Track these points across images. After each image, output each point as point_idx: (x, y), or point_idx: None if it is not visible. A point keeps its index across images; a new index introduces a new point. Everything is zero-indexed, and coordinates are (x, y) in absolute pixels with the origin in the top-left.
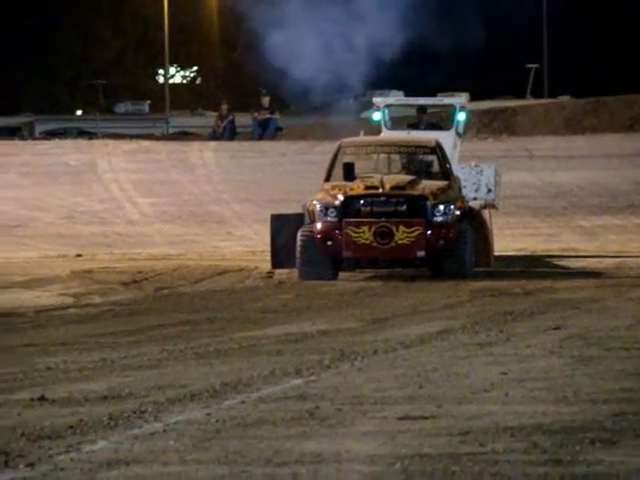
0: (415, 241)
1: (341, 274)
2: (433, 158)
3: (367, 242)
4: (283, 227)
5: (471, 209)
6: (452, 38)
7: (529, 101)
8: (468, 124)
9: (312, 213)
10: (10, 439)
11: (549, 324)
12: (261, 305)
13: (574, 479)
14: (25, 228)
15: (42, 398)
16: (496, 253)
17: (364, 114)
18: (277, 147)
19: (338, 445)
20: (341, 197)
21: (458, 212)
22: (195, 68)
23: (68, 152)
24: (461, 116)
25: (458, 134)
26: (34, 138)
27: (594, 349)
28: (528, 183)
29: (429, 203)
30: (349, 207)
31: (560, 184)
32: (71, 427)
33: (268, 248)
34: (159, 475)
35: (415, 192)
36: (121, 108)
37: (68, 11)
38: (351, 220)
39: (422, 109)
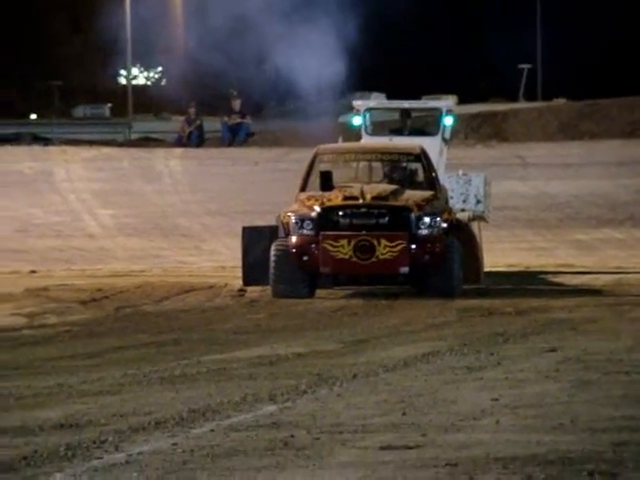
0: (398, 256)
1: (318, 292)
2: (418, 166)
3: (346, 257)
4: (256, 241)
5: (459, 221)
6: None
7: (521, 104)
8: (455, 129)
9: (287, 225)
10: None
11: (544, 346)
12: (232, 325)
13: None
14: None
15: None
16: (486, 269)
17: (343, 118)
18: (249, 154)
19: (315, 477)
20: (318, 208)
21: (445, 225)
22: (160, 69)
23: (22, 159)
24: (448, 121)
25: (445, 140)
26: None
27: (592, 373)
28: (520, 193)
29: (413, 215)
30: (327, 219)
31: (555, 194)
32: (25, 458)
33: (239, 263)
34: None
35: (398, 203)
36: (79, 112)
37: (20, 6)
38: (329, 233)
39: (406, 113)
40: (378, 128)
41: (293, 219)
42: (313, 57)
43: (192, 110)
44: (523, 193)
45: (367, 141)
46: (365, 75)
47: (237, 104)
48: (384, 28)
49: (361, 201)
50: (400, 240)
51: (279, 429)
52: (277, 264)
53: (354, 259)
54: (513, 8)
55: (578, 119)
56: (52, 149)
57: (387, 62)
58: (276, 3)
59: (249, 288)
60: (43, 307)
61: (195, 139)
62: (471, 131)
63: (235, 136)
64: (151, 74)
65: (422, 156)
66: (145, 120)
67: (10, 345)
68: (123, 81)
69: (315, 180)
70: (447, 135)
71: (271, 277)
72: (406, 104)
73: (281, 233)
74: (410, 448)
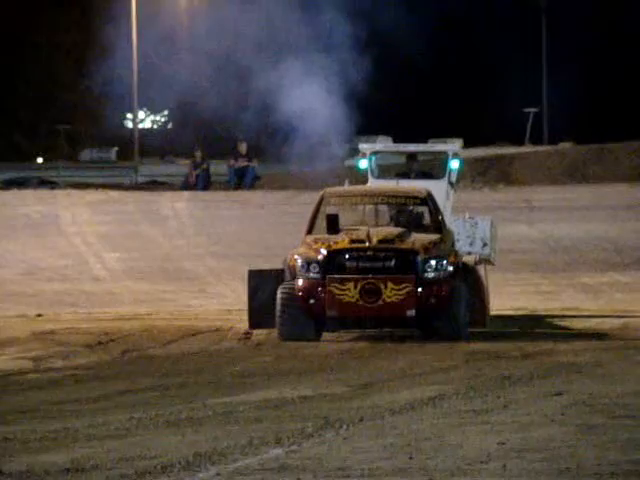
0: (405, 299)
1: (325, 335)
2: (424, 209)
3: (353, 300)
4: (262, 284)
5: (465, 264)
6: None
7: (528, 148)
8: (462, 173)
9: (293, 268)
10: None
11: (550, 390)
12: (238, 369)
13: None
14: None
15: None
16: (492, 312)
17: (349, 162)
18: (255, 197)
19: None
20: (324, 251)
21: (451, 268)
22: (166, 112)
23: (28, 203)
24: (454, 164)
25: (451, 184)
26: None
27: (599, 417)
28: (527, 236)
29: (420, 258)
30: (333, 262)
31: (561, 238)
32: None
33: (245, 306)
34: None
35: (405, 246)
36: (86, 155)
37: (27, 50)
38: (335, 276)
39: (412, 156)
40: (384, 171)
41: (299, 262)
42: (319, 101)
43: (198, 154)
44: (529, 236)
45: (373, 184)
46: (371, 119)
47: (243, 147)
48: (390, 73)
49: (367, 244)
50: (407, 283)
51: (285, 473)
52: (283, 307)
53: (360, 302)
54: (519, 53)
55: (584, 163)
56: (58, 193)
57: (393, 106)
58: (283, 46)
59: (255, 331)
60: (49, 351)
61: (201, 182)
62: (478, 174)
63: (241, 179)
64: (157, 117)
65: (428, 199)
66: (151, 163)
67: (16, 389)
68: (130, 124)
69: (322, 223)
70: (453, 178)
71: (277, 320)
72: (412, 147)
73: (287, 276)
74: None
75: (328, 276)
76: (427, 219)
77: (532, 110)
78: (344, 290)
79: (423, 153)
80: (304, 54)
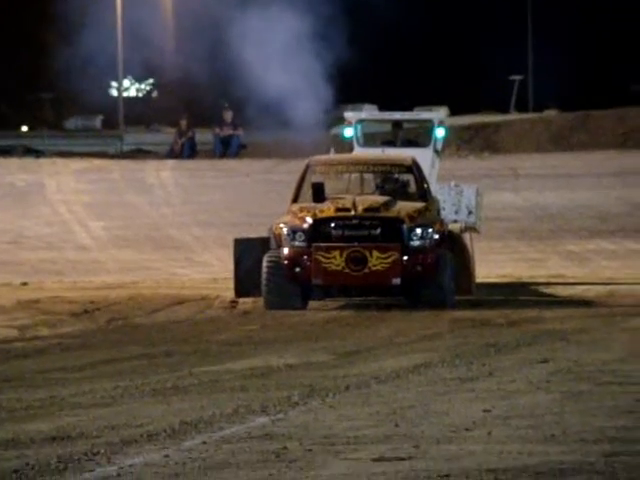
0: (390, 267)
1: (311, 303)
2: (409, 177)
3: (338, 268)
4: (247, 252)
5: (451, 233)
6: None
7: (513, 116)
8: (447, 141)
9: (279, 237)
10: None
11: (535, 357)
12: (224, 337)
13: None
14: None
15: None
16: (478, 280)
17: (334, 130)
18: (240, 166)
19: None
20: (310, 220)
21: (437, 236)
22: (151, 80)
23: (13, 171)
24: (440, 132)
25: (436, 152)
26: None
27: (584, 384)
28: (512, 204)
29: (405, 226)
30: (319, 231)
31: (547, 205)
32: (16, 471)
33: (231, 275)
34: None
35: (390, 214)
36: (71, 124)
37: (10, 19)
38: (321, 245)
39: (397, 124)
40: (370, 140)
41: (285, 231)
42: (304, 69)
43: (184, 122)
44: (515, 204)
45: (359, 153)
46: (356, 87)
47: (229, 116)
48: (376, 40)
49: (353, 213)
50: (392, 251)
51: (271, 441)
52: (269, 276)
53: (346, 270)
54: (504, 21)
55: (570, 130)
56: (43, 161)
57: (379, 74)
58: (266, 14)
59: (241, 300)
60: (35, 319)
61: (187, 151)
62: (463, 142)
63: (227, 148)
64: (142, 86)
65: (414, 167)
66: (137, 132)
67: (1, 357)
68: (114, 93)
69: (307, 192)
70: (439, 146)
71: (263, 289)
72: (398, 116)
73: (273, 245)
74: (402, 459)
75: (314, 244)
76: (413, 187)
77: (517, 78)
78: (330, 258)
79: (408, 121)
80: (291, 26)
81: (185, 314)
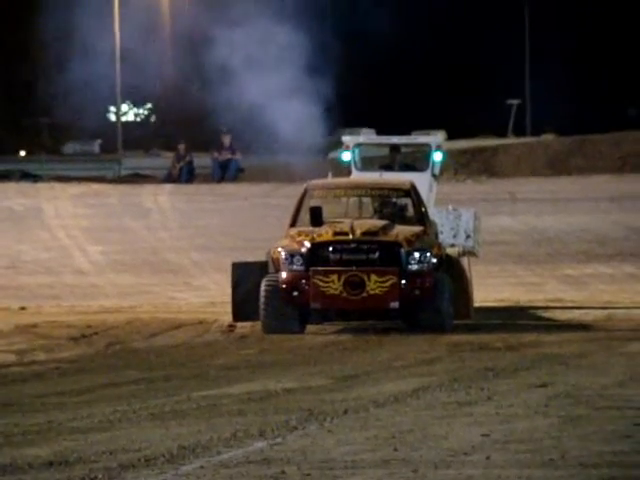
0: (388, 291)
1: (309, 327)
2: (407, 201)
3: (336, 292)
4: (245, 276)
5: (449, 256)
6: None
7: (511, 140)
8: (445, 165)
9: (277, 261)
10: None
11: (534, 381)
12: (222, 361)
13: None
14: None
15: None
16: (476, 304)
17: (332, 154)
18: (238, 190)
19: None
20: (308, 244)
21: (435, 260)
22: (149, 105)
23: (11, 196)
24: (437, 156)
25: (434, 176)
26: None
27: (583, 408)
28: (510, 228)
29: (403, 250)
30: (317, 255)
31: (545, 229)
32: None
33: (229, 299)
34: None
35: (388, 238)
36: (69, 149)
37: (7, 43)
38: (319, 269)
39: (395, 149)
40: (368, 164)
41: (283, 255)
42: (301, 94)
43: (182, 146)
44: (513, 228)
45: (357, 177)
46: (354, 111)
47: (227, 140)
48: (373, 64)
49: (351, 236)
50: (390, 275)
51: (269, 465)
52: (267, 300)
53: (344, 294)
54: (501, 45)
55: (567, 154)
56: (41, 186)
57: (376, 98)
58: (264, 38)
59: (239, 324)
60: (32, 344)
61: (185, 175)
62: (461, 166)
63: (225, 172)
64: (140, 110)
65: (412, 191)
66: (135, 156)
67: None
68: (113, 117)
69: (305, 216)
70: (436, 170)
71: (261, 313)
72: (395, 140)
73: (271, 269)
74: None
75: (312, 268)
76: (410, 211)
77: (515, 102)
78: (328, 282)
79: (406, 145)
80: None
81: (183, 338)
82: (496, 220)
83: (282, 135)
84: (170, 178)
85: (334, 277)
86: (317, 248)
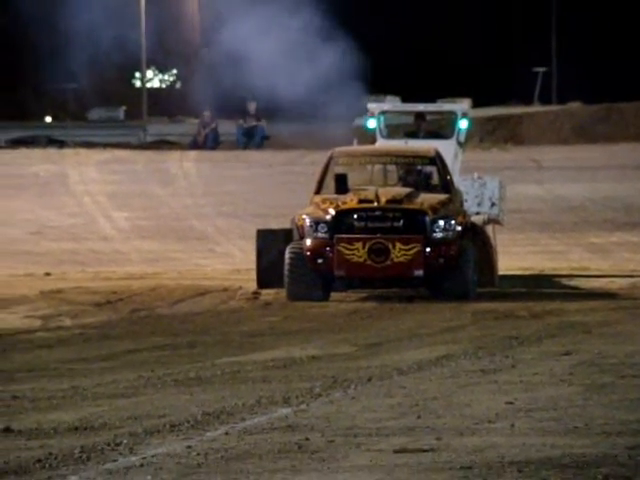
0: (413, 259)
1: (333, 294)
2: (432, 169)
3: (361, 260)
4: (270, 244)
5: (473, 225)
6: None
7: (536, 108)
8: (470, 132)
9: (301, 228)
10: None
11: (558, 349)
12: (246, 328)
13: None
14: None
15: (7, 429)
16: (500, 272)
17: (357, 121)
18: (263, 157)
19: None
20: (333, 211)
21: (459, 228)
22: (175, 71)
23: (36, 162)
24: (463, 124)
25: (459, 143)
26: None
27: (607, 376)
28: (535, 196)
29: (428, 218)
30: (341, 222)
31: (570, 198)
32: (39, 461)
33: (254, 266)
34: None
35: (413, 206)
36: (94, 114)
37: (32, 8)
38: (343, 236)
39: (420, 116)
40: (393, 131)
41: (308, 222)
42: (327, 59)
43: (207, 113)
44: (538, 196)
45: (382, 144)
46: (380, 78)
47: (252, 107)
48: (400, 31)
49: (376, 204)
50: (415, 243)
51: (293, 432)
52: (292, 267)
53: (369, 262)
54: (528, 12)
55: (593, 122)
56: (67, 152)
57: (402, 65)
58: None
59: (263, 291)
60: (58, 309)
61: (210, 142)
62: (486, 134)
63: (250, 139)
64: (166, 77)
65: (437, 159)
66: (160, 123)
67: (25, 347)
68: (138, 84)
69: (330, 183)
70: (462, 138)
71: (286, 280)
72: (421, 107)
73: (296, 236)
74: (425, 451)
75: (336, 236)
76: (435, 179)
77: (541, 69)
78: (352, 250)
79: (431, 113)
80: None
81: (207, 305)
82: (521, 188)
83: (310, 101)
84: (195, 145)
85: (359, 245)
86: (342, 215)
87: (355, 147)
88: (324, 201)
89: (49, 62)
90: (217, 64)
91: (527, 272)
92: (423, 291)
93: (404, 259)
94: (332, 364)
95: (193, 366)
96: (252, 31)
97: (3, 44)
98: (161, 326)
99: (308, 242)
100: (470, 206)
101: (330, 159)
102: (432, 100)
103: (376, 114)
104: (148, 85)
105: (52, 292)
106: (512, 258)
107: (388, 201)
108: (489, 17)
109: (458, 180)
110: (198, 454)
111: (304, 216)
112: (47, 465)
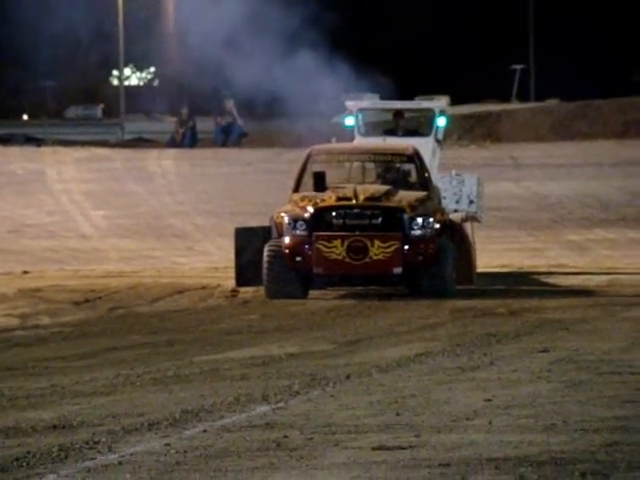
0: (391, 257)
1: (311, 292)
2: (411, 167)
3: (339, 258)
4: (248, 241)
5: (452, 222)
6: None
7: (514, 105)
8: (448, 130)
9: (280, 226)
10: None
11: (536, 347)
12: (225, 326)
13: None
14: None
15: None
16: (479, 270)
17: (336, 119)
18: (241, 155)
19: (308, 477)
20: (311, 209)
21: (438, 225)
22: (152, 69)
23: (14, 160)
24: (441, 121)
25: (438, 141)
26: None
27: (585, 374)
28: (513, 194)
29: (406, 215)
30: (320, 220)
31: (548, 195)
32: (17, 460)
33: (232, 264)
34: None
35: (391, 204)
36: (71, 112)
37: (9, 6)
38: (322, 234)
39: (399, 114)
40: (371, 129)
41: (286, 220)
42: (306, 57)
43: (184, 111)
44: (516, 194)
45: (360, 142)
46: (358, 76)
47: (229, 104)
48: (378, 28)
49: (354, 202)
50: (393, 241)
51: (272, 430)
52: (270, 265)
53: (347, 260)
54: (505, 9)
55: (571, 119)
56: (44, 150)
57: (380, 63)
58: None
59: (242, 289)
60: (36, 308)
61: (188, 140)
62: (464, 132)
63: (228, 137)
64: (144, 74)
65: (415, 157)
66: (137, 120)
67: (3, 346)
68: (115, 82)
69: (308, 181)
70: (440, 136)
71: (264, 278)
72: (399, 105)
73: (274, 234)
74: (403, 448)
75: (315, 233)
76: (414, 176)
77: (519, 67)
78: (331, 248)
79: (410, 110)
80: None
81: (186, 303)
82: (499, 185)
83: (286, 100)
84: (173, 143)
85: (337, 242)
86: (320, 213)
87: (333, 145)
88: (303, 199)
89: (26, 60)
90: (194, 61)
91: (505, 269)
92: (401, 289)
93: (383, 257)
94: (311, 362)
95: (172, 364)
96: (229, 28)
97: None
98: (140, 324)
99: (287, 240)
100: (448, 203)
101: (308, 157)
102: (410, 98)
103: (354, 112)
104: (126, 83)
105: (30, 290)
106: (490, 255)
107: (366, 199)
108: (467, 15)
109: (436, 177)
110: (177, 452)
111: (283, 214)
112: (25, 464)
